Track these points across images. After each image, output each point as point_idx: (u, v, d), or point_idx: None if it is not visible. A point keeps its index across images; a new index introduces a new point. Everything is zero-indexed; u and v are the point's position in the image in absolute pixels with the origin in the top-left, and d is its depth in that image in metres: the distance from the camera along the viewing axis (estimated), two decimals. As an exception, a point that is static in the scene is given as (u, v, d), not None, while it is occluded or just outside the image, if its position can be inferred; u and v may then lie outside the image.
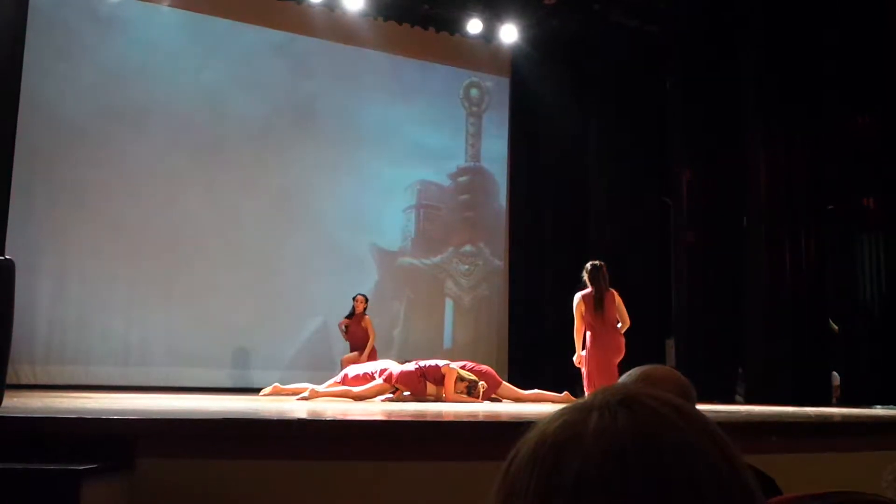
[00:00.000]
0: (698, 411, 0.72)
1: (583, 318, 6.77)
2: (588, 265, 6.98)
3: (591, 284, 6.84)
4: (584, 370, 6.77)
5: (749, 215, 9.47)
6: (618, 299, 6.85)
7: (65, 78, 9.26)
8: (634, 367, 2.13)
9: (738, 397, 9.29)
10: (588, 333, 6.76)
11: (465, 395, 7.40)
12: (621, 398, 0.70)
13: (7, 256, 3.94)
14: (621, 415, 0.68)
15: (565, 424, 0.69)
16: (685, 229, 10.11)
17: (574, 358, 6.84)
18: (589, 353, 6.72)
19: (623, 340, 6.77)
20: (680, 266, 10.21)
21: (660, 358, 9.96)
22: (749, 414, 5.64)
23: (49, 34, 9.21)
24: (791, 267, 8.76)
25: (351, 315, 9.42)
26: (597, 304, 6.76)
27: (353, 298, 9.44)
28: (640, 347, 9.54)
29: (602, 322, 6.74)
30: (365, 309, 9.48)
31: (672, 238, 10.37)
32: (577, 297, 6.87)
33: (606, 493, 0.63)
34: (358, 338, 9.39)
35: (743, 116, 9.48)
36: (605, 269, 6.88)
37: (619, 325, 6.82)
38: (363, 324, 9.37)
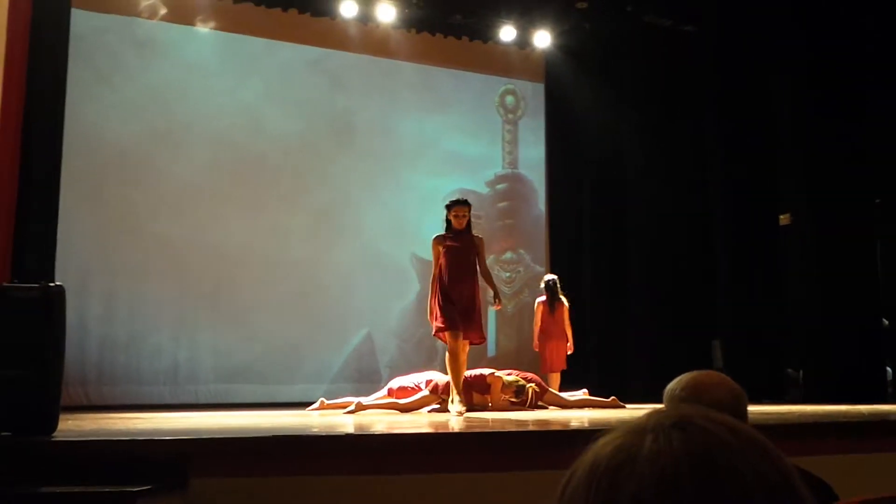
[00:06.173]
0: (754, 431, 0.71)
1: (540, 318, 8.77)
2: (545, 278, 9.08)
3: (546, 293, 8.82)
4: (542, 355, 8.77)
5: (793, 211, 9.35)
6: (566, 310, 8.72)
7: (107, 101, 9.42)
8: (682, 372, 2.09)
9: (789, 396, 9.14)
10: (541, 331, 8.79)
11: (513, 400, 7.38)
12: (675, 420, 0.69)
13: (57, 283, 4.01)
14: (675, 437, 0.67)
15: (619, 448, 0.69)
16: (726, 229, 10.01)
17: (534, 344, 8.90)
18: (541, 346, 8.75)
19: (565, 341, 8.64)
20: (723, 267, 10.10)
21: (706, 359, 9.86)
22: (801, 415, 5.55)
23: (90, 59, 9.37)
24: (839, 261, 8.61)
25: (453, 238, 6.43)
26: (551, 309, 8.71)
27: (448, 208, 6.59)
28: (686, 349, 9.51)
29: (553, 323, 8.69)
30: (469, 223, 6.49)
31: (715, 239, 10.27)
32: (537, 301, 8.94)
33: (663, 517, 0.63)
34: (467, 288, 6.45)
35: (780, 113, 9.37)
36: (557, 283, 8.87)
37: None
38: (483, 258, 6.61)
